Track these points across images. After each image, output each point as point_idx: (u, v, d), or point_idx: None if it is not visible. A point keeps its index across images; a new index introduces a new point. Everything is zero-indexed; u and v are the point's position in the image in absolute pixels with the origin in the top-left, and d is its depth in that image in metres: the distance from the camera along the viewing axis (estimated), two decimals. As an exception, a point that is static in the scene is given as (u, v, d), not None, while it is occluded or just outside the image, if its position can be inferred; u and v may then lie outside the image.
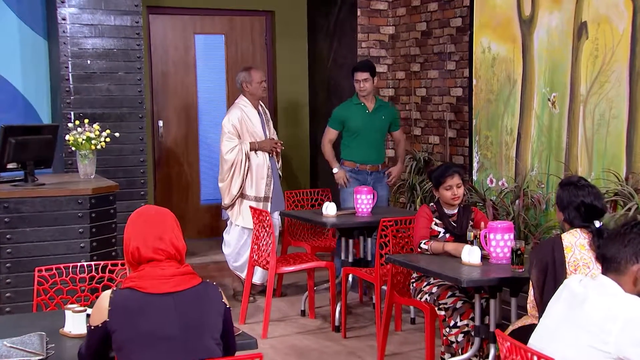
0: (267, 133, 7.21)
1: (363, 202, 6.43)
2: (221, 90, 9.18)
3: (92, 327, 2.90)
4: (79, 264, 4.28)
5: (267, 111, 7.36)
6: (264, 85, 7.16)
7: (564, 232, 4.06)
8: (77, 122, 6.49)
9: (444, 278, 4.56)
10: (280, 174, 7.34)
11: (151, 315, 2.86)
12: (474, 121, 6.96)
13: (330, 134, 7.26)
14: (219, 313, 2.99)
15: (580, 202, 4.08)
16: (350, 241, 6.48)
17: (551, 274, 3.91)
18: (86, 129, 6.32)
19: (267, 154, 7.10)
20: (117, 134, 6.63)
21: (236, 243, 7.17)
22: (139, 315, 2.86)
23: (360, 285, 7.10)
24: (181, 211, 9.06)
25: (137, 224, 3.01)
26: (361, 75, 7.11)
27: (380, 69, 8.36)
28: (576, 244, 3.97)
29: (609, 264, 3.03)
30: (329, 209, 6.46)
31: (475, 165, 6.95)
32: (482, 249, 4.75)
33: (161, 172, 9.02)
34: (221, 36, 9.21)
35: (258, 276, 7.08)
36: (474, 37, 6.91)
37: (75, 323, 3.34)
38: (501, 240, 4.64)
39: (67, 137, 6.29)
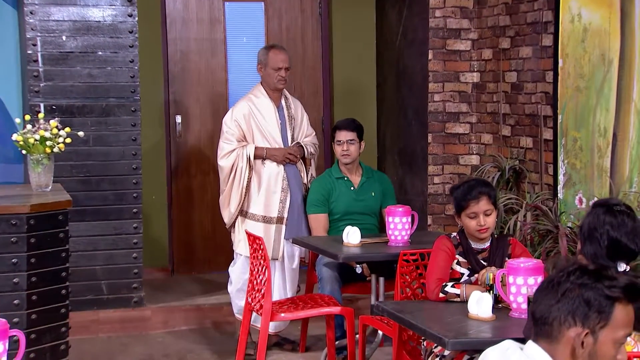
0: (289, 134, 7.10)
1: (397, 227, 6.19)
2: (259, 75, 9.05)
3: None
4: None
5: (293, 104, 7.24)
6: (281, 75, 7.07)
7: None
8: (28, 117, 6.48)
9: (427, 336, 4.31)
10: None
11: None
12: (559, 117, 6.61)
13: (320, 221, 7.00)
14: None
15: (604, 233, 3.88)
16: (382, 280, 6.26)
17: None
18: (41, 126, 6.30)
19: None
20: (80, 133, 6.56)
21: (238, 278, 7.07)
22: None
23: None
24: (206, 234, 9.03)
25: None
26: (345, 135, 6.94)
27: (461, 46, 8.06)
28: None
29: (539, 327, 2.77)
30: (351, 236, 6.25)
31: (561, 178, 6.58)
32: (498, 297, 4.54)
33: (179, 182, 9.01)
34: (260, 4, 9.17)
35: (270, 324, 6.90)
36: (562, 1, 6.58)
37: None
38: (523, 286, 4.39)
39: (14, 136, 6.29)
